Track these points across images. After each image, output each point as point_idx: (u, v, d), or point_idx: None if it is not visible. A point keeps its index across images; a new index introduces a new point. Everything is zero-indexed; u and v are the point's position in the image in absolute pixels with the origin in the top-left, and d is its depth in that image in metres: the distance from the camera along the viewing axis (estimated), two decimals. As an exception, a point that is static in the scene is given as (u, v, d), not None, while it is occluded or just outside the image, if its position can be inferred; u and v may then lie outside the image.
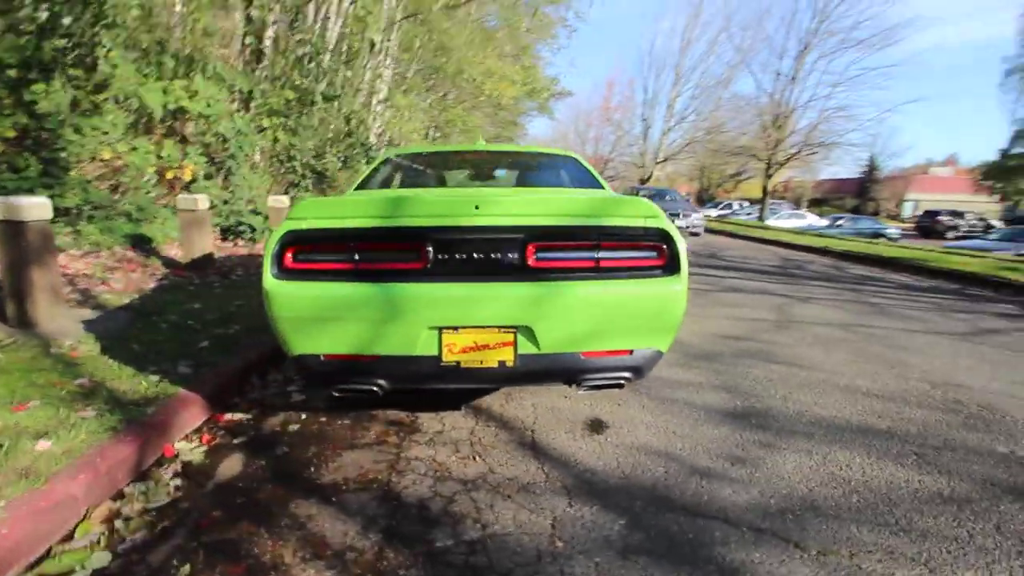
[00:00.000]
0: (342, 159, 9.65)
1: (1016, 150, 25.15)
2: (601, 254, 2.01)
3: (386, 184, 2.89)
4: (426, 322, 1.94)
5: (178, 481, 1.99)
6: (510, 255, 1.97)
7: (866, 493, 2.01)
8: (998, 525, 1.84)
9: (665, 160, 27.65)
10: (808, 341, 4.13)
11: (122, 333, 3.13)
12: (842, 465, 2.22)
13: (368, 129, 11.18)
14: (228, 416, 2.53)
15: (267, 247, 1.99)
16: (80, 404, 2.22)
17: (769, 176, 20.96)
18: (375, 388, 2.08)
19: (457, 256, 1.96)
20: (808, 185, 42.94)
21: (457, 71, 14.79)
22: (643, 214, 2.02)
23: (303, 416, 2.56)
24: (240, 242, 6.50)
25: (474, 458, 2.21)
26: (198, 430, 2.40)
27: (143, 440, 2.06)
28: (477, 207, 1.94)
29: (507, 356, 1.99)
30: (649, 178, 27.44)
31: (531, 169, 3.13)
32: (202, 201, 4.79)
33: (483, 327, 1.96)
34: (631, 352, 2.08)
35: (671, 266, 2.04)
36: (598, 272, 2.01)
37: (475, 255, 1.96)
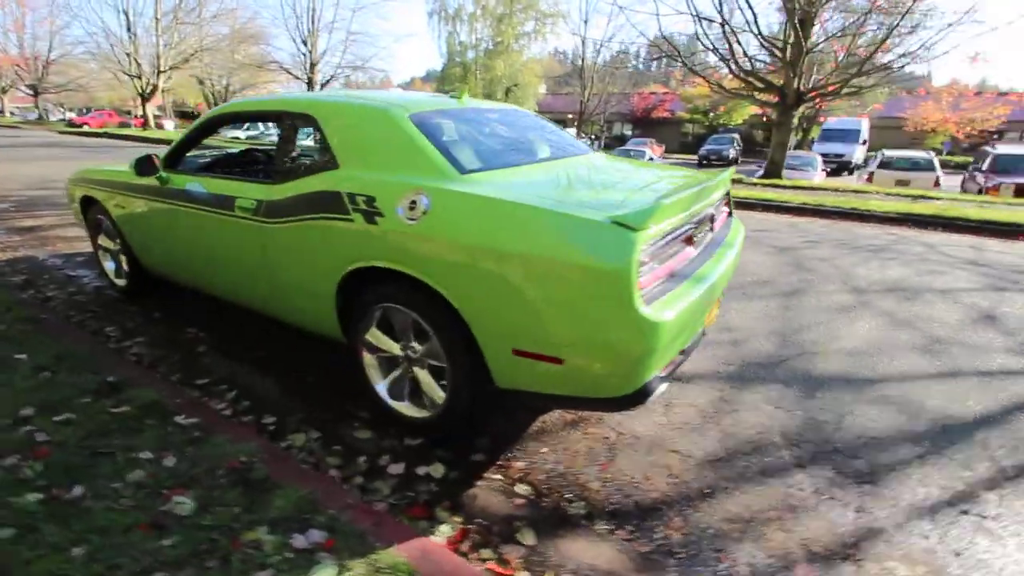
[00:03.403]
0: None
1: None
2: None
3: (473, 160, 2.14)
4: (716, 298, 2.09)
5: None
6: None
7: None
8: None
9: (171, 69, 22.23)
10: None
11: None
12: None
13: None
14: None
15: (622, 270, 1.56)
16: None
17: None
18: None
19: (703, 233, 2.14)
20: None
21: None
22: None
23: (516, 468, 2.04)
24: None
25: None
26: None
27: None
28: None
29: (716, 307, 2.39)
30: (152, 92, 21.52)
31: (547, 130, 2.87)
32: None
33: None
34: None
35: None
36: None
37: (710, 229, 2.20)
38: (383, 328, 2.20)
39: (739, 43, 10.89)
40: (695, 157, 25.38)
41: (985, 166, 12.20)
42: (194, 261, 2.91)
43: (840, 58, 11.20)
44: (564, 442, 2.26)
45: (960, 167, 20.26)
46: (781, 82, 10.86)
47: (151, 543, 1.46)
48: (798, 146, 29.40)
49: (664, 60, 14.09)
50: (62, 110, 42.24)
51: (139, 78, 21.97)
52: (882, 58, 10.56)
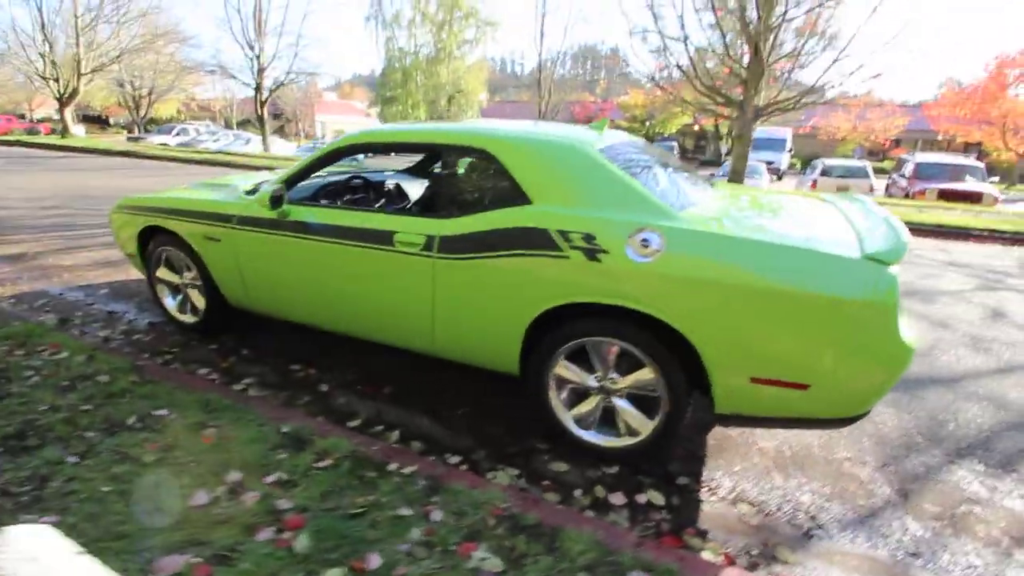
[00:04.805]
0: None
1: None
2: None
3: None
4: None
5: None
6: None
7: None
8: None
9: (93, 72, 19.90)
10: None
11: None
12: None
13: None
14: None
15: (889, 304, 1.73)
16: None
17: (263, 103, 19.69)
18: None
19: None
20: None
21: None
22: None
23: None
24: None
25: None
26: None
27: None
28: None
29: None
30: (72, 96, 19.23)
31: (671, 159, 2.95)
32: None
33: None
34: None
35: None
36: None
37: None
38: (572, 360, 2.24)
39: (702, 61, 11.58)
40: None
41: (908, 172, 13.74)
42: (323, 298, 2.74)
43: (783, 76, 12.22)
44: (747, 458, 2.38)
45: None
46: (741, 98, 11.67)
47: (497, 604, 1.42)
48: (727, 154, 31.72)
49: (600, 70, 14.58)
50: (-63, 113, 37.20)
51: (56, 80, 19.67)
52: (824, 78, 11.64)
